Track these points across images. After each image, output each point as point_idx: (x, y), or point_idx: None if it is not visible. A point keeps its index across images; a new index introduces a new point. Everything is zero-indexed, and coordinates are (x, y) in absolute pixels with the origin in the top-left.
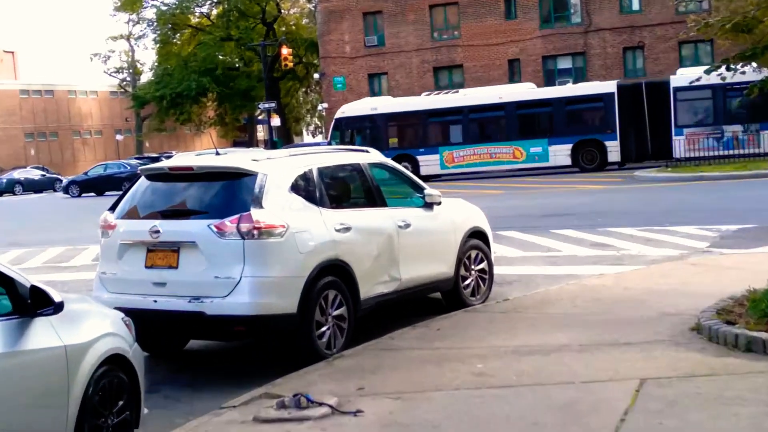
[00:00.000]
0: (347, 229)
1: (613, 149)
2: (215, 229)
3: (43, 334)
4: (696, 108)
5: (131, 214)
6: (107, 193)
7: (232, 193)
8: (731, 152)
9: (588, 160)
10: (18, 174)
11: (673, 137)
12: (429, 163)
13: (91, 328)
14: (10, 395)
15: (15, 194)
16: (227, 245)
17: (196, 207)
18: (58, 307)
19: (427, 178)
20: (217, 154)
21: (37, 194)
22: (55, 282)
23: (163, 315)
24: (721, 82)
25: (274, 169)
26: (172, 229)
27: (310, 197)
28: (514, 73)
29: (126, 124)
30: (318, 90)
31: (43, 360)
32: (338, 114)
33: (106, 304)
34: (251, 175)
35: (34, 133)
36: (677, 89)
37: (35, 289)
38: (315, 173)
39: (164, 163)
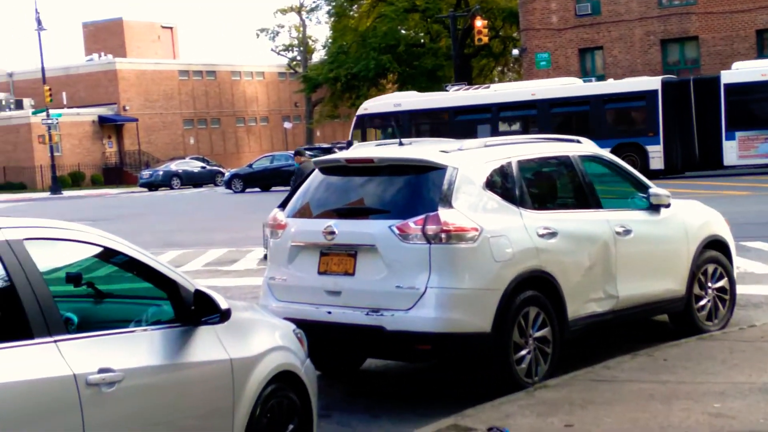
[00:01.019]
0: (553, 234)
1: (656, 155)
2: (397, 231)
3: (207, 345)
4: (752, 108)
5: (303, 213)
6: (274, 188)
7: (417, 189)
8: None
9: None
10: (176, 165)
11: (724, 142)
12: None
13: (259, 341)
14: (170, 413)
15: (172, 188)
16: (411, 250)
17: (376, 205)
18: (225, 315)
19: None
20: (401, 144)
21: (196, 188)
22: (215, 288)
23: (337, 328)
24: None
25: (467, 162)
26: (348, 230)
27: (508, 196)
28: (764, 46)
29: (295, 110)
30: (517, 68)
31: (207, 375)
32: (360, 110)
33: (274, 313)
34: (439, 168)
35: (193, 120)
36: (729, 86)
37: (200, 295)
38: (514, 167)
39: (341, 155)
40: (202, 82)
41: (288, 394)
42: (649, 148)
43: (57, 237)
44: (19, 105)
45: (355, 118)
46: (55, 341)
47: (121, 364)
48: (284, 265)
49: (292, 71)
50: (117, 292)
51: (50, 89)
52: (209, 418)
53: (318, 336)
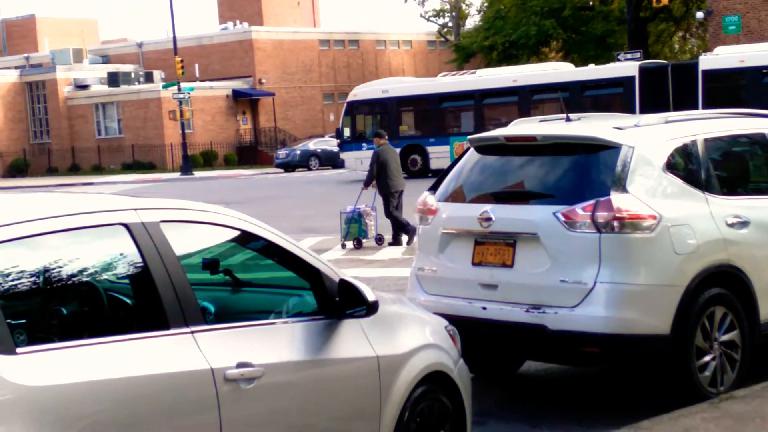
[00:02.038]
0: (744, 223)
1: None
2: (563, 219)
3: (352, 340)
4: (729, 96)
5: (456, 197)
6: None
7: (585, 171)
8: None
9: None
10: (314, 144)
11: None
12: (439, 155)
13: (408, 337)
14: (310, 414)
15: (310, 169)
16: (578, 240)
17: (539, 189)
18: (372, 308)
19: (436, 173)
20: (568, 119)
21: (336, 169)
22: (357, 279)
23: (493, 326)
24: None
25: (644, 141)
26: (507, 216)
27: (692, 179)
28: None
29: None
30: (701, 34)
31: (351, 373)
32: (350, 97)
33: (422, 307)
34: (612, 147)
35: (334, 94)
36: (707, 73)
37: (345, 285)
38: (700, 146)
39: (499, 132)
40: (343, 53)
41: (439, 397)
42: None
43: (193, 219)
44: (149, 78)
45: (345, 105)
46: (192, 332)
47: (261, 359)
48: (434, 254)
49: (442, 39)
50: (256, 280)
51: (182, 61)
52: (352, 421)
53: (472, 334)
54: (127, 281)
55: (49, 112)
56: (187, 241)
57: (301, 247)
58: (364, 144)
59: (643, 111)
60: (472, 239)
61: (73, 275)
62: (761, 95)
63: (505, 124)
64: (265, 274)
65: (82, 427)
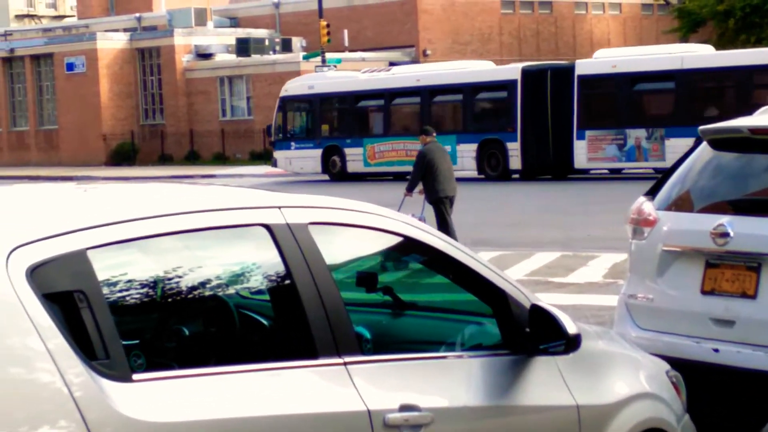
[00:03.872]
0: None
1: (514, 153)
2: None
3: (546, 383)
4: (602, 104)
5: (682, 204)
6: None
7: None
8: (633, 165)
9: (492, 166)
10: None
11: (574, 141)
12: (355, 157)
13: (618, 383)
14: None
15: None
16: None
17: None
18: (572, 343)
19: (354, 177)
20: None
21: None
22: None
23: (728, 373)
24: (627, 71)
25: None
26: (750, 231)
27: None
28: None
29: None
30: None
31: (544, 426)
32: (282, 92)
33: (635, 345)
34: None
35: None
36: (582, 78)
37: (539, 312)
38: None
39: (743, 122)
40: (532, 18)
41: None
42: (509, 145)
43: (348, 222)
44: (286, 46)
45: (277, 101)
46: (345, 364)
47: (429, 402)
48: (651, 278)
49: (661, 3)
50: (422, 301)
51: (328, 26)
52: None
53: (700, 382)
54: (265, 297)
55: (164, 87)
56: (338, 250)
57: (483, 261)
58: (293, 143)
59: (524, 116)
60: (703, 260)
61: (198, 287)
62: (632, 103)
63: (410, 128)
64: (434, 294)
65: None
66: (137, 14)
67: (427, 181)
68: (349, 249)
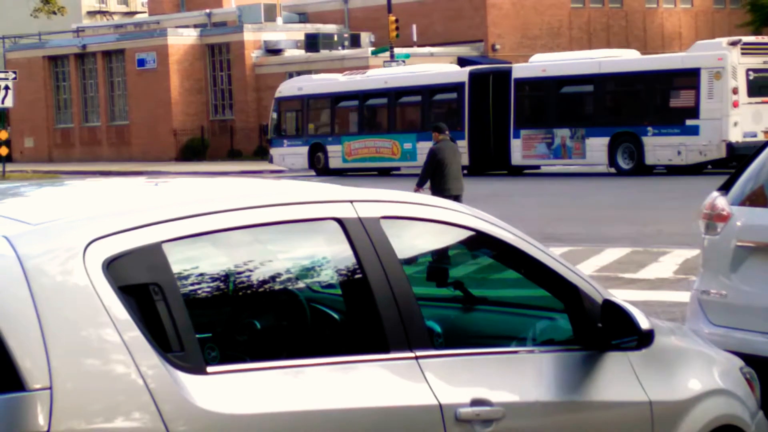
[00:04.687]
0: None
1: (463, 150)
2: None
3: (618, 379)
4: (535, 105)
5: (756, 199)
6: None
7: None
8: (560, 162)
9: None
10: None
11: (511, 139)
12: (335, 154)
13: (690, 379)
14: None
15: None
16: None
17: None
18: (645, 339)
19: (335, 172)
20: None
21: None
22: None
23: None
24: (554, 74)
25: None
26: None
27: None
28: None
29: None
30: None
31: (616, 422)
32: (276, 93)
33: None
34: None
35: None
36: (518, 81)
37: (612, 307)
38: None
39: None
40: (602, 12)
41: None
42: (459, 143)
43: (419, 216)
44: (355, 41)
45: (273, 102)
46: (417, 358)
47: (501, 397)
48: (725, 274)
49: None
50: (493, 296)
51: (396, 21)
52: None
53: None
54: (337, 291)
55: (234, 82)
56: (409, 243)
57: (554, 255)
58: (286, 141)
59: (471, 119)
60: None
61: (270, 281)
62: (559, 106)
63: (380, 127)
64: (505, 289)
65: None
66: (207, 10)
67: (435, 178)
68: (420, 243)
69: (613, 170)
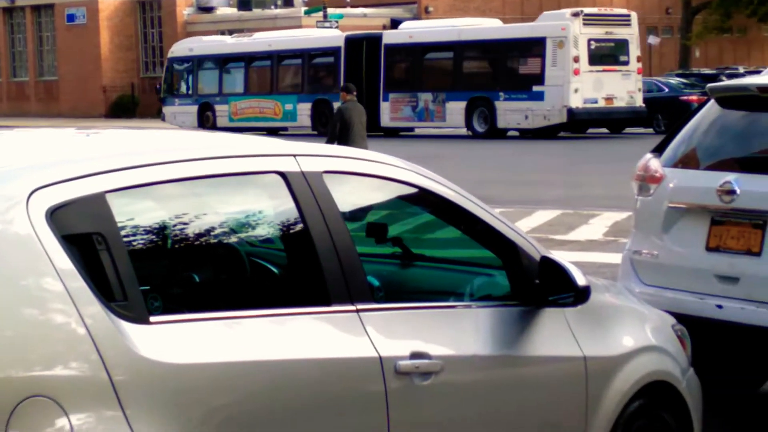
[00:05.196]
0: None
1: None
2: None
3: (554, 335)
4: (402, 70)
5: (689, 162)
6: (628, 129)
7: None
8: (423, 124)
9: (322, 123)
10: None
11: (381, 102)
12: (222, 114)
13: (624, 336)
14: (495, 425)
15: None
16: None
17: None
18: (581, 295)
19: (223, 131)
20: None
21: None
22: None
23: (731, 330)
24: (419, 41)
25: None
26: (756, 189)
27: None
28: None
29: (665, 19)
30: None
31: (551, 377)
32: (169, 53)
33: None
34: None
35: None
36: (388, 47)
37: (549, 264)
38: None
39: (751, 81)
40: None
41: (661, 414)
42: (335, 104)
43: (360, 171)
44: (288, 1)
45: (166, 61)
46: (358, 311)
47: (439, 350)
48: (656, 234)
49: None
50: (430, 253)
51: None
52: None
53: (702, 338)
54: (279, 245)
55: (164, 40)
56: (350, 199)
57: (494, 213)
58: (177, 100)
59: (346, 79)
60: (708, 217)
61: (211, 234)
62: (422, 70)
63: (263, 89)
64: (443, 247)
65: (223, 418)
66: None
67: (341, 137)
68: (362, 198)
69: (469, 133)
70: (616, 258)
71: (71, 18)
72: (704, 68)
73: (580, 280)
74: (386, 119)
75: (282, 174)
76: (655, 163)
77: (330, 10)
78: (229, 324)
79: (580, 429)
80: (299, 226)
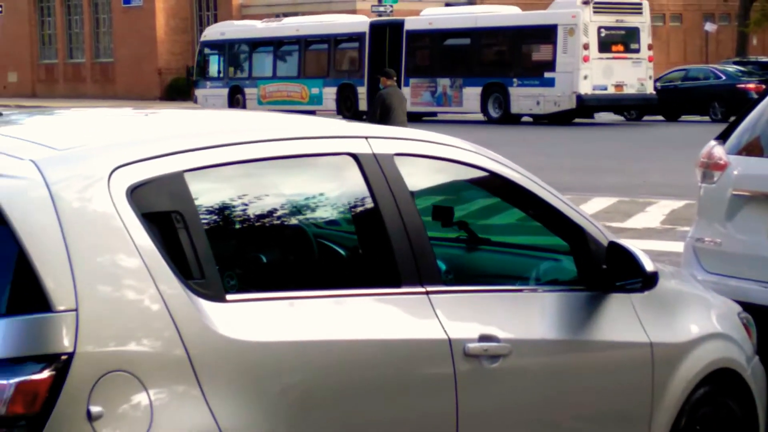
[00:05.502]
0: None
1: (362, 97)
2: None
3: (621, 320)
4: (422, 56)
5: (752, 149)
6: (684, 116)
7: None
8: (441, 109)
9: (347, 107)
10: None
11: (402, 87)
12: (252, 96)
13: (690, 322)
14: (558, 407)
15: None
16: None
17: None
18: (649, 281)
19: None
20: None
21: None
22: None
23: None
24: (439, 27)
25: None
26: None
27: None
28: None
29: (722, 6)
30: None
31: (618, 362)
32: (202, 37)
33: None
34: None
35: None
36: (409, 33)
37: (616, 249)
38: None
39: None
40: None
41: (726, 401)
42: (359, 89)
43: (432, 154)
44: None
45: (199, 46)
46: (427, 293)
47: (508, 334)
48: (720, 221)
49: None
50: (497, 237)
51: None
52: (612, 423)
53: (766, 326)
54: (350, 226)
55: (219, 22)
56: (419, 181)
57: (563, 198)
58: (208, 83)
59: (371, 67)
60: None
61: (285, 213)
62: (442, 57)
63: (291, 73)
64: (510, 236)
65: (296, 396)
66: None
67: (381, 123)
68: (432, 181)
69: (485, 118)
70: (674, 246)
71: (127, 0)
72: (762, 56)
73: (649, 265)
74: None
75: (354, 155)
76: (719, 150)
77: None
78: (301, 304)
79: (646, 415)
80: (371, 208)
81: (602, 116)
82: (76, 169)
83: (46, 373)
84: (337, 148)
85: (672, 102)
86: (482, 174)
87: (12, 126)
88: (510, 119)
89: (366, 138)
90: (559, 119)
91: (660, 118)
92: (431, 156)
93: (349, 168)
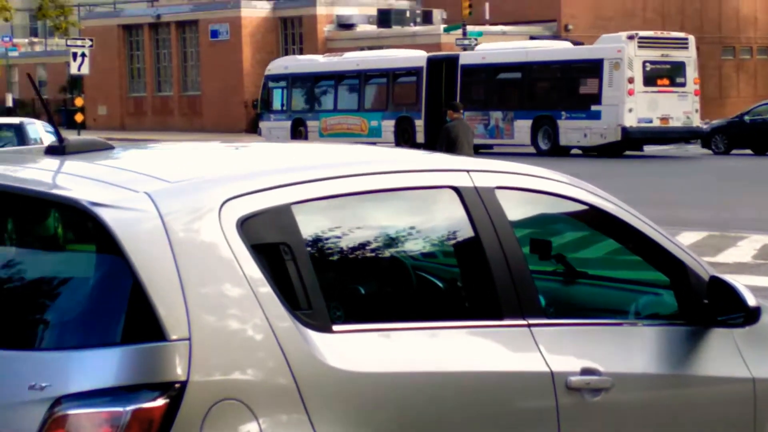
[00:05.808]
0: None
1: (420, 129)
2: None
3: (722, 355)
4: (476, 89)
5: None
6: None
7: None
8: (493, 141)
9: (405, 138)
10: None
11: None
12: (313, 129)
13: None
14: None
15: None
16: None
17: None
18: (752, 316)
19: None
20: None
21: (658, 145)
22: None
23: None
24: (491, 62)
25: None
26: None
27: None
28: None
29: None
30: None
31: (719, 397)
32: (266, 71)
33: None
34: None
35: None
36: (464, 68)
37: (718, 284)
38: None
39: None
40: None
41: None
42: (417, 122)
43: (532, 188)
44: (427, 18)
45: (263, 79)
46: (529, 326)
47: (609, 367)
48: None
49: None
50: (594, 271)
51: None
52: None
53: None
54: (451, 259)
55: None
56: (516, 214)
57: (663, 232)
58: (272, 115)
59: (428, 100)
60: None
61: (389, 246)
62: (494, 89)
63: (350, 106)
64: (608, 270)
65: (399, 426)
66: None
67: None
68: (529, 213)
69: (534, 150)
70: (767, 281)
71: (215, 34)
72: None
73: (751, 300)
74: None
75: (456, 189)
76: None
77: (469, 28)
78: (410, 335)
79: None
80: (473, 241)
81: (651, 149)
82: (188, 201)
83: (160, 401)
84: (440, 181)
85: (761, 135)
86: (581, 207)
87: (121, 159)
88: (558, 151)
89: (468, 171)
90: (608, 151)
91: (748, 151)
92: (531, 189)
93: (451, 201)
